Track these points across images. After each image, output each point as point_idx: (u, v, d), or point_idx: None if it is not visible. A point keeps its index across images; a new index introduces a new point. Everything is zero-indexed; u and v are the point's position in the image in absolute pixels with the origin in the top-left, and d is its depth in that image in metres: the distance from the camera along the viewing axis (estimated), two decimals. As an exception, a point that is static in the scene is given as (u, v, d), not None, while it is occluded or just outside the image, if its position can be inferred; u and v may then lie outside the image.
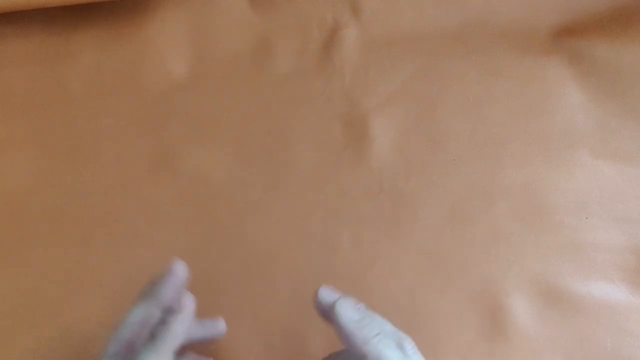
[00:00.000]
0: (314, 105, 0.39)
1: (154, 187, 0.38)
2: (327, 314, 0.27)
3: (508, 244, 0.36)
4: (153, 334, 0.26)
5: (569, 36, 0.39)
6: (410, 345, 0.26)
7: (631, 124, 0.38)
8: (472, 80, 0.39)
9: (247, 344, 0.35)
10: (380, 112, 0.39)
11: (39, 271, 0.36)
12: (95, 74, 0.40)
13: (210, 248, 0.37)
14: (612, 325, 0.34)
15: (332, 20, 0.41)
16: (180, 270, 0.30)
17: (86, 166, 0.38)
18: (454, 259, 0.36)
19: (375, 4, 0.41)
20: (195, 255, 0.36)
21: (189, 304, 0.27)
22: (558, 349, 0.34)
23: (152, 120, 0.39)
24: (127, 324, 0.28)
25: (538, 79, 0.39)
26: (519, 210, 0.37)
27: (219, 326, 0.33)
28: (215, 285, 0.36)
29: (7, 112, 0.40)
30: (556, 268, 0.35)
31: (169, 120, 0.39)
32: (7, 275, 0.36)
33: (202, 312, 0.35)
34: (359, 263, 0.36)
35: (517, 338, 0.34)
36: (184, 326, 0.26)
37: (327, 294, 0.28)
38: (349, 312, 0.26)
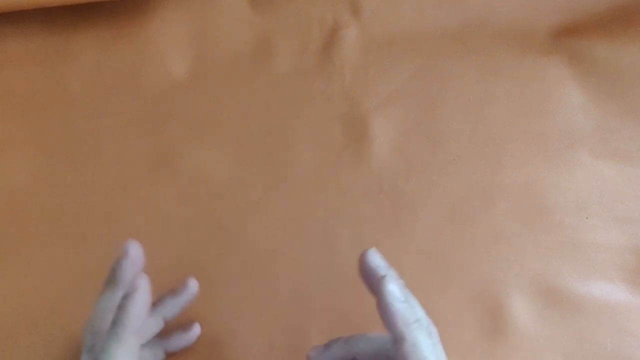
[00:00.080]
0: (314, 105, 0.39)
1: (154, 187, 0.38)
2: (371, 281, 0.26)
3: (508, 244, 0.36)
4: (113, 320, 0.26)
5: (569, 36, 0.39)
6: (436, 335, 0.26)
7: (631, 124, 0.38)
8: (472, 80, 0.39)
9: (247, 344, 0.35)
10: (380, 112, 0.39)
11: (39, 271, 0.36)
12: (95, 74, 0.40)
13: (210, 248, 0.37)
14: (612, 325, 0.34)
15: (332, 20, 0.41)
16: (134, 251, 0.29)
17: (86, 166, 0.38)
18: (454, 259, 0.36)
19: (375, 4, 0.41)
20: (195, 255, 0.36)
21: (142, 283, 0.26)
22: (558, 349, 0.34)
23: (152, 120, 0.39)
24: (97, 315, 0.29)
25: (538, 79, 0.39)
26: (519, 210, 0.37)
27: (190, 287, 0.33)
28: (215, 285, 0.36)
29: (7, 112, 0.40)
30: (556, 268, 0.35)
31: (169, 120, 0.39)
32: (7, 275, 0.36)
33: (202, 312, 0.35)
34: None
35: (517, 338, 0.34)
36: (140, 307, 0.26)
37: (377, 259, 0.27)
38: (397, 291, 0.25)
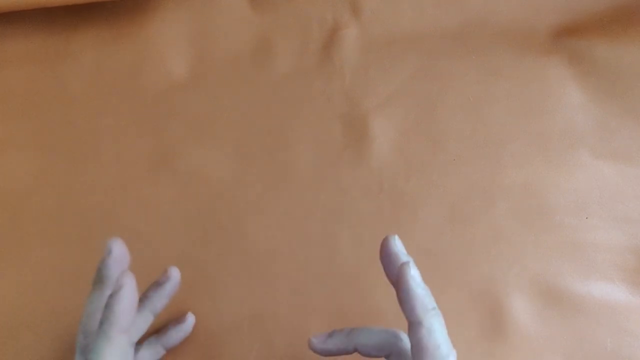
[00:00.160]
0: (314, 105, 0.39)
1: (154, 187, 0.38)
2: (394, 265, 0.27)
3: (508, 244, 0.36)
4: (100, 320, 0.26)
5: (569, 36, 0.39)
6: (445, 325, 0.26)
7: (631, 124, 0.38)
8: (472, 80, 0.39)
9: (247, 344, 0.35)
10: (380, 112, 0.39)
11: (39, 271, 0.36)
12: (95, 74, 0.40)
13: (210, 248, 0.37)
14: (612, 325, 0.34)
15: (332, 20, 0.41)
16: (118, 249, 0.29)
17: (86, 166, 0.38)
18: (454, 259, 0.36)
19: (375, 4, 0.41)
20: (195, 255, 0.36)
21: (127, 281, 0.26)
22: (558, 349, 0.34)
23: (152, 120, 0.39)
24: (87, 316, 0.29)
25: (538, 79, 0.39)
26: (519, 210, 0.37)
27: (172, 276, 0.32)
28: (215, 285, 0.36)
29: (7, 112, 0.40)
30: (556, 268, 0.35)
31: (169, 120, 0.39)
32: (7, 275, 0.36)
33: (202, 312, 0.35)
34: (359, 263, 0.36)
35: (517, 338, 0.34)
36: (126, 305, 0.26)
37: (399, 245, 0.28)
38: (418, 277, 0.26)
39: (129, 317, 0.26)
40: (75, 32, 0.41)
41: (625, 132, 0.38)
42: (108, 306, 0.26)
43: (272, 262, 0.36)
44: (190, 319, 0.34)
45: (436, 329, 0.25)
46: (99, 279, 0.29)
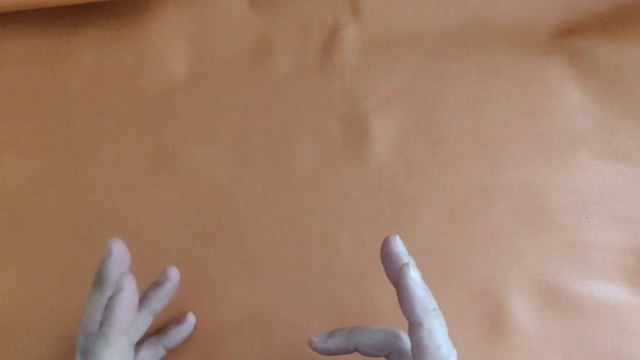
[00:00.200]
0: (314, 105, 0.39)
1: (154, 187, 0.38)
2: (394, 266, 0.27)
3: (508, 244, 0.36)
4: (100, 322, 0.26)
5: (569, 36, 0.39)
6: (446, 329, 0.26)
7: (631, 124, 0.38)
8: (472, 80, 0.39)
9: (247, 344, 0.35)
10: (380, 112, 0.39)
11: (39, 271, 0.36)
12: (95, 74, 0.40)
13: (210, 248, 0.37)
14: (612, 325, 0.34)
15: (332, 20, 0.41)
16: (118, 250, 0.29)
17: (86, 166, 0.38)
18: (454, 259, 0.36)
19: (375, 4, 0.41)
20: (195, 255, 0.36)
21: (127, 282, 0.26)
22: (558, 349, 0.34)
23: (152, 120, 0.39)
24: (87, 317, 0.29)
25: (538, 79, 0.39)
26: (519, 210, 0.37)
27: (172, 276, 0.32)
28: (216, 285, 0.36)
29: (7, 112, 0.40)
30: (556, 268, 0.35)
31: (169, 120, 0.39)
32: (7, 275, 0.36)
33: (202, 312, 0.35)
34: (359, 263, 0.36)
35: (517, 338, 0.34)
36: (126, 307, 0.26)
37: (400, 246, 0.28)
38: (418, 278, 0.26)
39: (128, 318, 0.26)
40: (75, 32, 0.41)
41: (625, 132, 0.38)
42: (108, 308, 0.26)
43: (272, 262, 0.36)
44: (191, 319, 0.34)
45: (437, 330, 0.25)
46: (99, 279, 0.29)
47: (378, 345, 0.28)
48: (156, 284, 0.32)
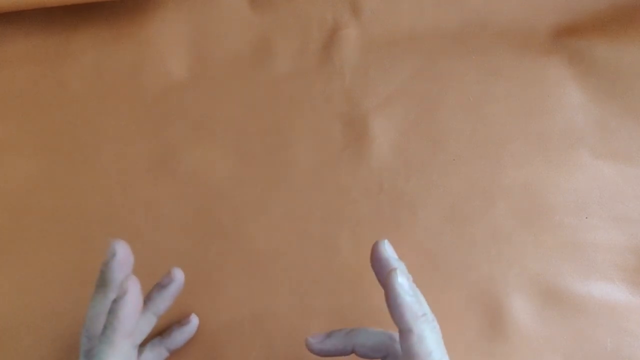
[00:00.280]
0: (314, 105, 0.39)
1: (154, 187, 0.38)
2: (382, 272, 0.27)
3: (508, 244, 0.36)
4: (104, 325, 0.26)
5: (569, 36, 0.39)
6: (439, 332, 0.26)
7: (631, 124, 0.38)
8: (472, 80, 0.39)
9: (247, 344, 0.35)
10: (380, 112, 0.39)
11: (39, 271, 0.36)
12: (95, 74, 0.40)
13: (210, 248, 0.37)
14: (612, 325, 0.34)
15: (332, 20, 0.41)
16: (122, 251, 0.28)
17: (86, 166, 0.38)
18: (454, 259, 0.36)
19: (375, 4, 0.41)
20: (195, 255, 0.36)
21: (132, 285, 0.26)
22: (558, 349, 0.34)
23: (152, 120, 0.39)
24: (90, 319, 0.28)
25: (538, 79, 0.39)
26: (519, 210, 0.37)
27: (177, 277, 0.32)
28: (216, 285, 0.36)
29: (7, 112, 0.40)
30: (556, 268, 0.35)
31: (169, 120, 0.39)
32: (7, 275, 0.36)
33: (202, 312, 0.35)
34: (359, 263, 0.36)
35: (517, 338, 0.34)
36: (130, 310, 0.26)
37: (389, 251, 0.28)
38: (407, 285, 0.26)
39: (132, 322, 0.26)
40: (75, 32, 0.41)
41: (625, 132, 0.38)
42: (112, 311, 0.26)
43: (272, 262, 0.36)
44: (194, 321, 0.34)
45: (427, 336, 0.25)
46: (102, 282, 0.29)
47: (375, 347, 0.28)
48: (160, 286, 0.32)
